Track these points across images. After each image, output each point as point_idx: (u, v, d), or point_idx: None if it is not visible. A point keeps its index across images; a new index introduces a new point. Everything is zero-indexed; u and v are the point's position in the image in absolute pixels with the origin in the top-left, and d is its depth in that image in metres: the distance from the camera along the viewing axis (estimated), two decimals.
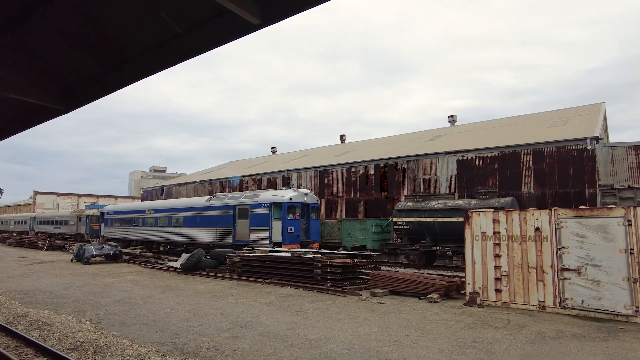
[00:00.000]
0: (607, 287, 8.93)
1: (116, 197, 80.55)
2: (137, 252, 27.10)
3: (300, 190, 21.47)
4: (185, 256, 18.43)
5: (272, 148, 52.15)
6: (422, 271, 16.68)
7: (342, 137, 44.54)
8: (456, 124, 34.76)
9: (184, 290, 13.09)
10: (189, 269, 17.48)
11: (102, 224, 34.18)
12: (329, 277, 12.97)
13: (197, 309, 10.27)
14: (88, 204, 65.79)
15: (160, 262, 21.86)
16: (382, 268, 16.10)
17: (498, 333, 7.87)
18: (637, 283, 8.58)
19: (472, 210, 10.93)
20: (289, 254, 14.94)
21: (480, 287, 10.56)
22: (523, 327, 8.28)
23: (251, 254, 16.20)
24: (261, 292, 12.59)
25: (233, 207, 21.50)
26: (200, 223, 23.38)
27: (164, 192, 44.96)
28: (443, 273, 16.10)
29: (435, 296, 10.86)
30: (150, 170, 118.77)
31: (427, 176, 23.94)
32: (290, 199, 20.05)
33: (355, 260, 13.57)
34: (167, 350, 6.89)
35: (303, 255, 14.25)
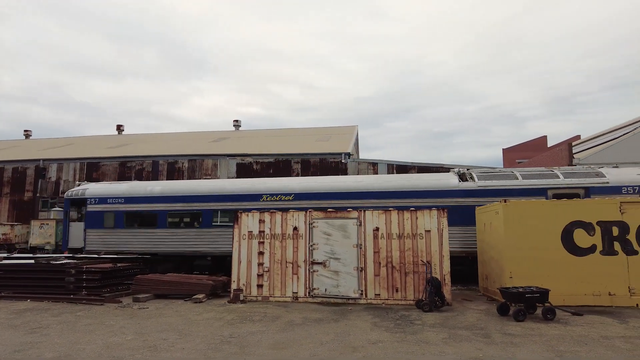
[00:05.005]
0: (343, 276, 10.82)
1: None
2: None
3: None
4: None
5: (25, 131, 43.01)
6: None
7: (119, 128, 40.34)
8: (240, 129, 36.13)
9: None
10: None
11: (77, 226, 16.74)
12: (84, 284, 11.50)
13: None
14: None
15: None
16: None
17: (254, 326, 8.50)
18: (363, 272, 10.72)
19: (240, 211, 11.56)
20: (32, 261, 12.56)
21: (244, 284, 11.22)
22: (277, 318, 9.17)
23: None
24: None
25: (543, 191, 12.83)
26: (456, 221, 13.41)
27: None
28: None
29: (201, 296, 10.96)
30: None
31: (208, 176, 24.01)
32: None
33: (119, 265, 12.46)
34: None
35: (52, 262, 12.22)
